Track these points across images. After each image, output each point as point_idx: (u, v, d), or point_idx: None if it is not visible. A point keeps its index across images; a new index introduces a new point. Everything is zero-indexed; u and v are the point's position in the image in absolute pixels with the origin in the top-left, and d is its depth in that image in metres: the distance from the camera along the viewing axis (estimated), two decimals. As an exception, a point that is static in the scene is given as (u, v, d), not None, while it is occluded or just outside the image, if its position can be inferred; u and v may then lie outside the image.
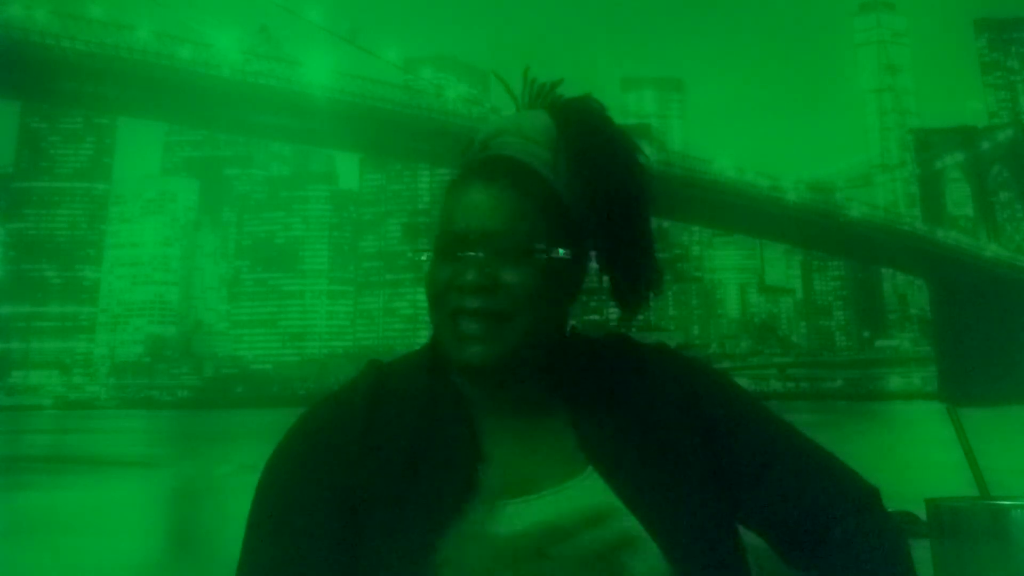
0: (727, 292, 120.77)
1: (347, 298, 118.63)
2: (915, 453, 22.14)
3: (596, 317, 1.16)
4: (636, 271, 1.19)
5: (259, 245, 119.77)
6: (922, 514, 1.16)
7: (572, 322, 1.22)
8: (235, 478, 16.64)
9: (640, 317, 1.21)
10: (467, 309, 1.11)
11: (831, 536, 1.14)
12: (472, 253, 1.12)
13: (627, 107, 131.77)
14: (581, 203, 1.16)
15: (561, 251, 1.14)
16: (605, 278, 1.20)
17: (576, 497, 1.12)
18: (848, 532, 1.14)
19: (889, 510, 1.19)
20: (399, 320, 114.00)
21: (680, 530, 1.10)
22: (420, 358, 1.21)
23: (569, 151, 1.17)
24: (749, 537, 1.18)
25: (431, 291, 1.15)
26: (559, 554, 1.05)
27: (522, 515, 1.10)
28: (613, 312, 1.20)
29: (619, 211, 1.17)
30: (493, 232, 1.12)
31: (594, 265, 1.20)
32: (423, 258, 1.17)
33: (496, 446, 1.14)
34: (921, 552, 1.14)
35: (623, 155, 1.20)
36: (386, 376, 1.19)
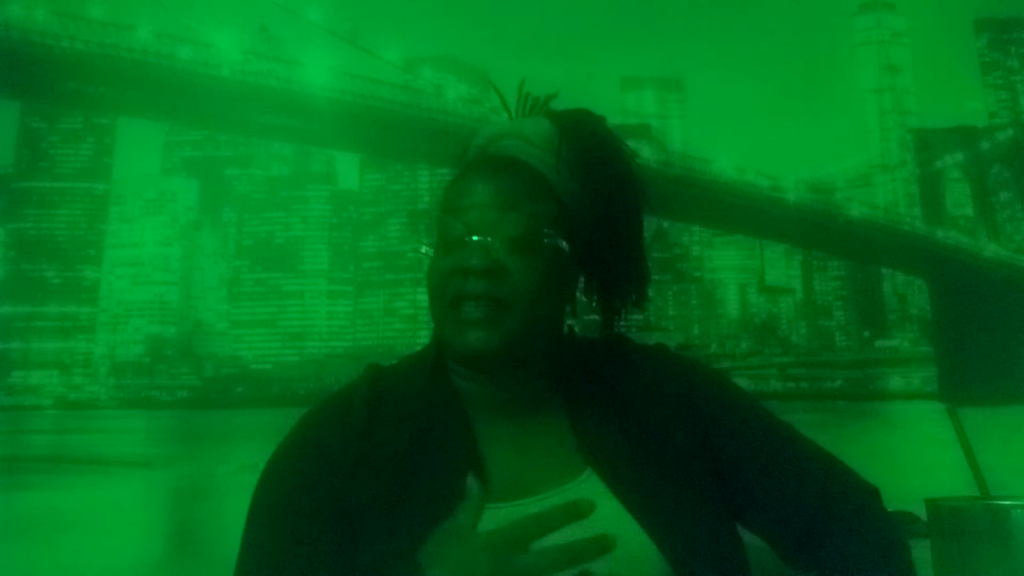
0: (727, 292, 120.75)
1: (347, 298, 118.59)
2: (915, 453, 22.12)
3: (596, 317, 1.21)
4: (625, 279, 1.21)
5: (259, 245, 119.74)
6: (922, 514, 1.16)
7: (570, 323, 1.22)
8: (235, 478, 16.65)
9: (639, 317, 1.24)
10: (471, 294, 1.11)
11: (831, 536, 1.14)
12: (478, 238, 1.12)
13: (627, 107, 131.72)
14: (580, 208, 1.18)
15: (565, 244, 1.15)
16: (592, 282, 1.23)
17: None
18: (848, 532, 1.14)
19: (889, 510, 1.19)
20: (399, 320, 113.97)
21: (679, 531, 1.10)
22: (418, 360, 1.21)
23: (572, 158, 1.19)
24: (749, 537, 1.18)
25: (433, 279, 1.15)
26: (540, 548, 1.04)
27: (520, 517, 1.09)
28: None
29: (616, 220, 1.20)
30: (500, 219, 1.13)
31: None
32: (423, 250, 1.17)
33: (494, 449, 1.14)
34: (921, 552, 1.13)
35: (623, 167, 1.22)
36: (384, 379, 1.19)
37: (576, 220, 1.18)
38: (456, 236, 1.13)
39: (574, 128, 1.21)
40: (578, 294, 1.22)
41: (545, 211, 1.15)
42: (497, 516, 1.08)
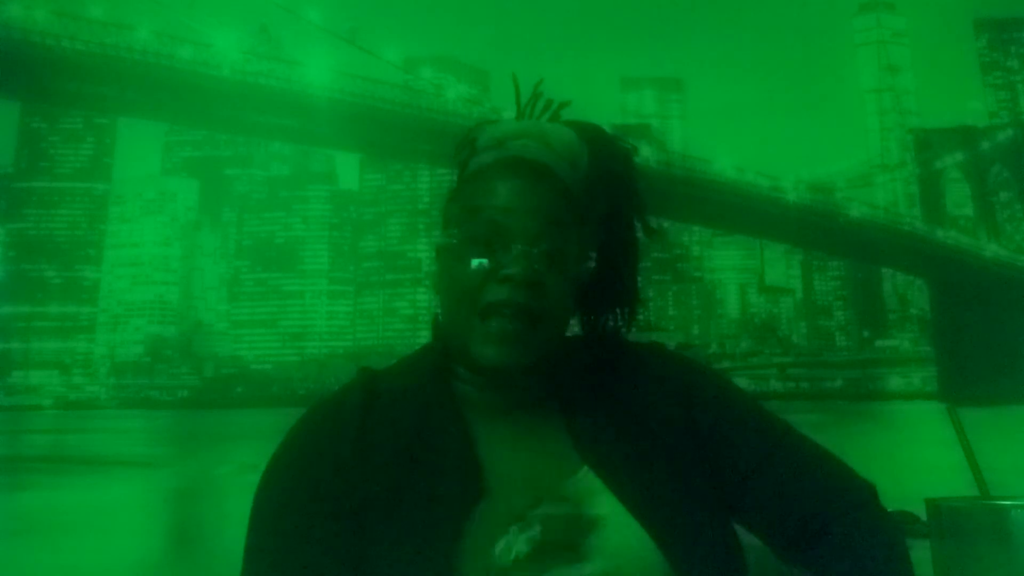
0: (727, 292, 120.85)
1: (347, 298, 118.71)
2: (915, 453, 22.10)
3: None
4: (618, 303, 1.22)
5: (259, 245, 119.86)
6: (922, 514, 1.16)
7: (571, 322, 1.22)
8: (235, 478, 16.64)
9: (639, 316, 1.22)
10: (509, 303, 1.09)
11: (828, 533, 1.14)
12: (522, 247, 1.09)
13: (627, 107, 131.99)
14: (596, 228, 1.18)
15: (593, 263, 1.16)
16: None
17: (572, 498, 1.12)
18: (845, 529, 1.14)
19: (889, 510, 1.19)
20: (399, 320, 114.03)
21: (676, 527, 1.10)
22: (414, 361, 1.21)
23: (599, 179, 1.18)
24: (748, 536, 1.18)
25: (461, 283, 1.12)
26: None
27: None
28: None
29: (624, 250, 1.21)
30: (541, 230, 1.11)
31: None
32: (454, 241, 1.14)
33: (491, 449, 1.13)
34: (921, 552, 1.13)
35: (641, 202, 1.22)
36: (379, 380, 1.19)
37: (590, 239, 1.18)
38: (490, 239, 1.11)
39: (603, 148, 1.20)
40: None
41: (577, 226, 1.14)
42: (495, 514, 1.09)
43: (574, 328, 1.24)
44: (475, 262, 1.11)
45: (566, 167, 1.16)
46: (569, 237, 1.12)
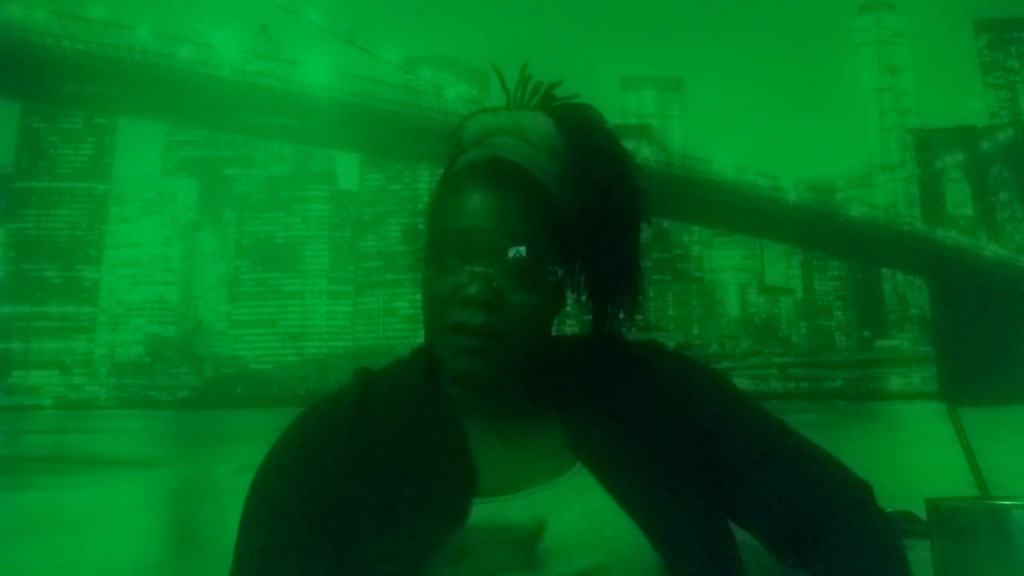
0: (727, 292, 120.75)
1: (347, 298, 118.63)
2: (915, 453, 22.13)
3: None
4: (619, 289, 1.19)
5: (259, 245, 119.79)
6: (922, 514, 1.15)
7: (570, 322, 1.22)
8: (235, 478, 16.62)
9: (639, 317, 1.20)
10: (468, 324, 1.09)
11: (824, 533, 1.13)
12: (479, 268, 1.09)
13: (627, 107, 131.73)
14: (580, 222, 1.15)
15: (561, 271, 1.13)
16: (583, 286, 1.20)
17: (566, 494, 1.11)
18: (841, 528, 1.13)
19: (889, 510, 1.19)
20: (399, 320, 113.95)
21: (670, 523, 1.10)
22: (410, 364, 1.20)
23: (577, 169, 1.15)
24: (745, 534, 1.18)
25: (430, 303, 1.12)
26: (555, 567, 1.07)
27: (511, 511, 1.09)
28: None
29: (615, 232, 1.17)
30: (502, 246, 1.09)
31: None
32: (422, 259, 1.14)
33: (485, 449, 1.13)
34: (921, 552, 1.13)
35: (626, 177, 1.18)
36: (374, 382, 1.18)
37: (573, 231, 1.14)
38: (454, 258, 1.10)
39: (576, 131, 1.17)
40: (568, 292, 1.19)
41: (548, 234, 1.11)
42: (488, 511, 1.09)
43: (574, 328, 1.23)
44: (440, 282, 1.11)
45: (544, 161, 1.14)
46: (540, 251, 1.10)
